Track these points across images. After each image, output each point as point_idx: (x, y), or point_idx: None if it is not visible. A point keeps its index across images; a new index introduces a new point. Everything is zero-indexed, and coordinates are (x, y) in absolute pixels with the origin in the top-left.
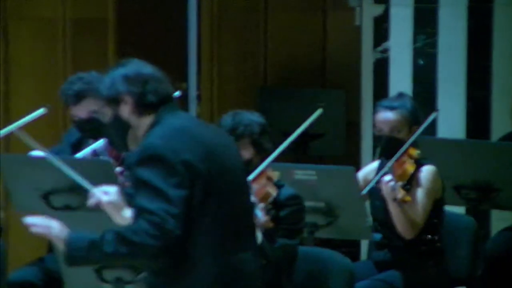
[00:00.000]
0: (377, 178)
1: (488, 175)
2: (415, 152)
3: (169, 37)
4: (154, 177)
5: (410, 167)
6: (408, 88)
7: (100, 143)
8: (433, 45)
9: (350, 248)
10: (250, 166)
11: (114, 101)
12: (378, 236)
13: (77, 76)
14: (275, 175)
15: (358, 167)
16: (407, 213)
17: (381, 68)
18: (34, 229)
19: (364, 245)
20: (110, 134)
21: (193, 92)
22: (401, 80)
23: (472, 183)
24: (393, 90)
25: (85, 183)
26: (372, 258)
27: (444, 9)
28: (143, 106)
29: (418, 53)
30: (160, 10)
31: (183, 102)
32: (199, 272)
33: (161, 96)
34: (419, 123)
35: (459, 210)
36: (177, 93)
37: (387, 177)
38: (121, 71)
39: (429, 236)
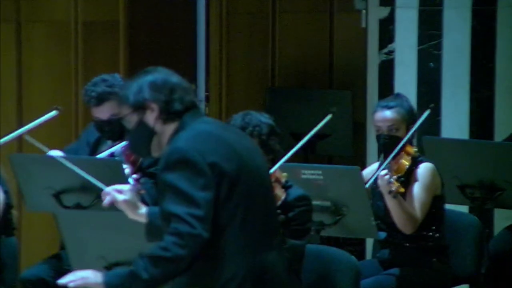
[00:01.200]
0: (377, 173)
1: (493, 175)
2: (412, 150)
3: (178, 38)
4: (180, 180)
5: (405, 161)
6: (413, 89)
7: (118, 146)
8: (438, 46)
9: (356, 246)
10: None
11: (140, 108)
12: (383, 234)
13: (101, 78)
14: (283, 176)
15: (364, 167)
16: (404, 207)
17: (387, 69)
18: (71, 285)
19: (369, 243)
20: (133, 140)
21: (202, 93)
22: (406, 81)
23: (477, 182)
24: (398, 91)
25: (98, 183)
26: (377, 256)
27: (448, 11)
28: (168, 114)
29: (423, 54)
30: (169, 12)
31: None
32: (229, 271)
33: (187, 104)
34: (415, 122)
35: (462, 209)
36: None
37: (383, 172)
38: (148, 78)
39: (431, 233)
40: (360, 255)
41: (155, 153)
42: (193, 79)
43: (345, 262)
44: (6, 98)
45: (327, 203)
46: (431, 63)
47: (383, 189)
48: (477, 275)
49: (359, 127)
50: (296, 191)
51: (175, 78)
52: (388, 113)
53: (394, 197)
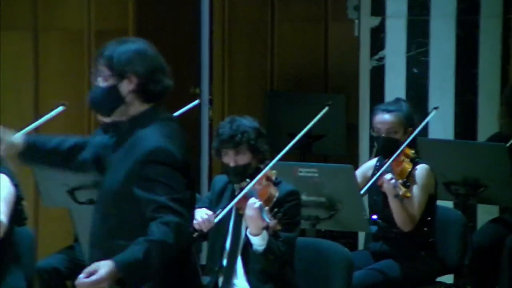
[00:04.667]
0: (376, 176)
1: (476, 173)
2: (410, 152)
3: (184, 46)
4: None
5: (408, 165)
6: (402, 92)
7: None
8: (425, 53)
9: (348, 239)
10: (248, 169)
11: (119, 75)
12: (374, 228)
13: None
14: (273, 174)
15: (357, 166)
16: (406, 208)
17: (378, 75)
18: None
19: (361, 236)
20: (99, 99)
21: (205, 97)
22: (396, 85)
23: (462, 180)
24: (388, 95)
25: None
26: (369, 248)
27: (435, 20)
28: (143, 92)
29: (411, 61)
30: (175, 21)
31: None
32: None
33: (162, 88)
34: (413, 126)
35: (448, 204)
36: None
37: (388, 176)
38: (136, 47)
39: (425, 228)
40: (353, 247)
41: (116, 118)
42: (197, 83)
43: (338, 254)
44: (24, 101)
45: (322, 199)
46: (419, 69)
47: (388, 191)
48: (461, 266)
49: (352, 128)
50: (285, 187)
51: (160, 58)
52: (387, 117)
53: (401, 200)
